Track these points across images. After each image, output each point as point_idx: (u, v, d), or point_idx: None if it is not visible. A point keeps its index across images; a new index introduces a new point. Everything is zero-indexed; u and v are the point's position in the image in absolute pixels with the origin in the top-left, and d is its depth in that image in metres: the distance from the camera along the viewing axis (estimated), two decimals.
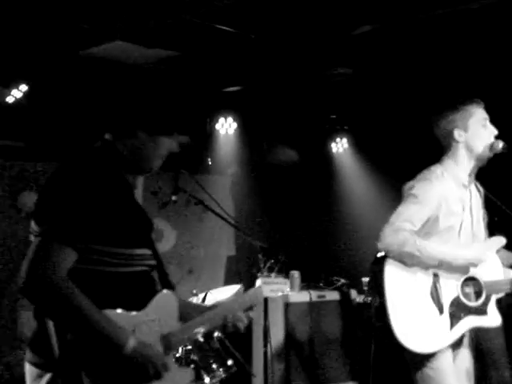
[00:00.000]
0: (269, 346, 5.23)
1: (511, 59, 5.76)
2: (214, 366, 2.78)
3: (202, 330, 2.83)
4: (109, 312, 2.51)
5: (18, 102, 6.01)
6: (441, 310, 3.72)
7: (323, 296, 6.75)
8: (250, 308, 3.08)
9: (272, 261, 6.05)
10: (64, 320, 2.47)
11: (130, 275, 2.66)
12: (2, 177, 6.49)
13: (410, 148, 7.09)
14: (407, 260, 3.70)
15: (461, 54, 5.74)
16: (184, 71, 6.22)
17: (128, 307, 2.60)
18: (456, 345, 3.80)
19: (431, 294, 3.74)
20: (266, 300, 5.05)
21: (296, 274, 6.75)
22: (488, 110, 3.91)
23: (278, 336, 6.36)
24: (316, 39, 5.57)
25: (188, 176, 4.93)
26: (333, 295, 6.84)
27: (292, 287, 6.70)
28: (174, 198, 4.98)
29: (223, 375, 3.40)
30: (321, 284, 7.05)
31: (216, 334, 3.74)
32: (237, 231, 6.97)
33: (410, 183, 3.85)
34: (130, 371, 2.52)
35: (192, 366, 2.83)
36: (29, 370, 2.61)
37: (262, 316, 5.14)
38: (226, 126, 7.70)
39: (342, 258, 8.01)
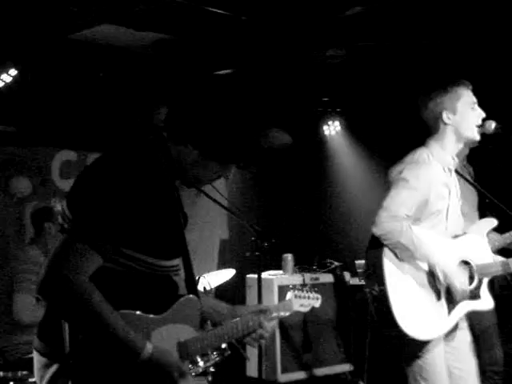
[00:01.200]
0: (261, 342, 5.21)
1: (503, 41, 5.74)
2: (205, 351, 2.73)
3: (222, 342, 2.78)
4: (127, 313, 2.43)
5: (7, 86, 5.95)
6: (438, 297, 3.71)
7: (317, 278, 6.75)
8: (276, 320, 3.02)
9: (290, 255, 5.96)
10: (79, 323, 2.38)
11: (151, 277, 2.53)
12: None
13: (402, 130, 7.07)
14: (400, 251, 3.67)
15: (454, 34, 5.71)
16: (174, 54, 6.18)
17: (147, 310, 2.50)
18: (452, 330, 3.80)
19: (428, 280, 3.72)
20: (259, 283, 5.04)
21: (289, 256, 6.76)
22: (478, 92, 3.89)
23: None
24: (308, 21, 5.53)
25: None
26: (326, 278, 6.85)
27: (285, 270, 6.71)
28: None
29: (217, 358, 3.39)
30: (314, 267, 7.05)
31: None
32: (230, 214, 6.95)
33: (399, 167, 3.81)
34: (145, 378, 2.44)
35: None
36: (36, 357, 2.54)
37: (256, 299, 5.13)
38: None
39: (335, 241, 8.02)
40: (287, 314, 3.13)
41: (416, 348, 3.71)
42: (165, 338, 2.53)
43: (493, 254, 3.95)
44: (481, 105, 3.87)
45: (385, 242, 3.68)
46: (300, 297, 3.22)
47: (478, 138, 3.82)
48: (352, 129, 8.37)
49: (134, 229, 2.42)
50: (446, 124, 3.82)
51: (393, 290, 3.66)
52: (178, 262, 2.65)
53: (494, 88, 5.81)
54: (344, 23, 5.56)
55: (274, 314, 3.01)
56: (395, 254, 3.69)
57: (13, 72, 5.95)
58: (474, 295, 3.77)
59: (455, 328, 3.82)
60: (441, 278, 3.66)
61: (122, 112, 6.59)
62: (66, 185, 6.70)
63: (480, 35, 5.68)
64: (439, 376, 3.72)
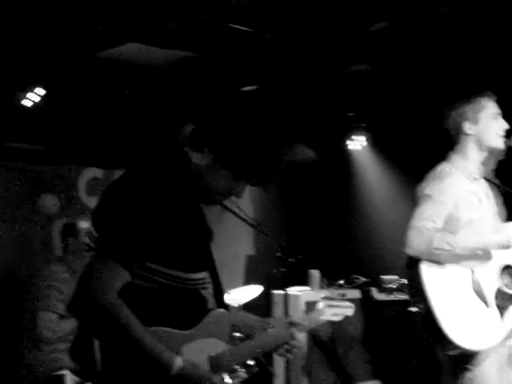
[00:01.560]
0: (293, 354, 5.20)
1: None
2: (236, 366, 2.73)
3: (255, 355, 2.75)
4: (157, 329, 2.42)
5: (35, 105, 6.02)
6: (487, 304, 3.67)
7: (344, 294, 6.71)
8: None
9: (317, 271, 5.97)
10: (110, 340, 2.38)
11: (180, 292, 2.52)
12: (21, 179, 6.52)
13: (428, 145, 7.03)
14: (439, 257, 3.64)
15: (478, 49, 5.69)
16: (199, 72, 6.22)
17: (177, 325, 2.49)
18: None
19: (474, 288, 3.68)
20: (285, 299, 5.03)
21: (316, 272, 6.73)
22: (502, 105, 3.87)
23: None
24: (331, 36, 5.54)
25: None
26: (353, 294, 6.81)
27: (311, 286, 6.68)
28: None
29: (245, 375, 3.37)
30: (341, 282, 7.02)
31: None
32: (256, 231, 6.95)
33: (422, 185, 3.82)
34: None
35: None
36: (69, 376, 2.57)
37: (283, 315, 5.12)
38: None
39: (361, 257, 7.98)
40: (319, 323, 3.10)
41: (466, 361, 3.66)
42: (195, 353, 2.51)
43: None
44: (506, 117, 3.85)
45: (421, 258, 3.66)
46: (332, 306, 3.17)
47: (502, 146, 3.79)
48: (377, 144, 8.34)
49: (159, 243, 2.42)
50: (467, 135, 3.82)
51: (437, 304, 3.62)
52: (204, 275, 2.64)
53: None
54: (368, 39, 5.56)
55: (306, 324, 2.99)
56: (437, 263, 3.65)
57: (40, 91, 6.02)
58: None
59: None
60: (481, 281, 3.64)
61: (148, 130, 6.63)
62: (92, 202, 6.75)
63: (504, 49, 5.65)
64: None
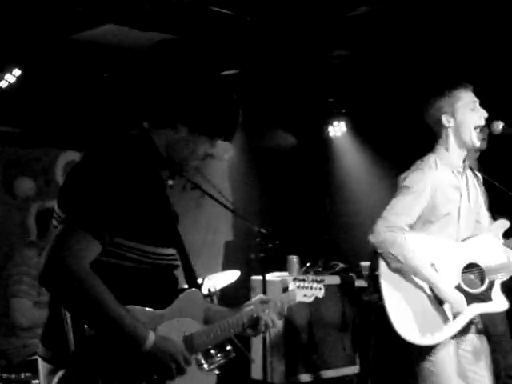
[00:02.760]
0: (268, 331, 5.19)
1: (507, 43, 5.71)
2: (213, 351, 2.72)
3: (228, 334, 2.75)
4: (131, 308, 2.41)
5: (11, 86, 5.93)
6: (441, 301, 3.68)
7: (322, 280, 6.70)
8: (281, 312, 3.00)
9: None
10: (83, 312, 2.36)
11: (152, 272, 2.54)
12: None
13: (408, 131, 7.03)
14: (391, 262, 3.70)
15: (458, 34, 5.68)
16: (179, 55, 6.16)
17: (150, 305, 2.49)
18: (464, 333, 3.77)
19: (429, 286, 3.70)
20: (264, 284, 5.01)
21: (294, 258, 6.72)
22: (482, 93, 3.86)
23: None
24: (312, 21, 5.51)
25: None
26: (332, 280, 6.80)
27: (290, 271, 6.67)
28: (170, 182, 4.93)
29: (222, 361, 3.36)
30: (319, 268, 7.01)
31: None
32: (234, 216, 6.93)
33: (404, 174, 3.84)
34: (150, 368, 2.43)
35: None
36: (41, 364, 2.52)
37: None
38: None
39: (340, 243, 7.99)
40: (291, 304, 3.12)
41: (424, 352, 3.70)
42: (170, 332, 2.51)
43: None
44: (487, 106, 3.84)
45: (378, 251, 3.73)
46: (303, 287, 3.22)
47: (476, 143, 3.79)
48: (357, 130, 8.33)
49: (127, 217, 2.42)
50: (446, 128, 3.83)
51: (389, 296, 3.70)
52: (173, 251, 2.64)
53: (500, 89, 5.78)
54: (349, 24, 5.54)
55: (278, 305, 2.99)
56: (387, 263, 3.72)
57: (16, 72, 5.93)
58: (485, 297, 3.72)
59: (469, 331, 3.79)
60: (435, 291, 3.67)
61: (126, 112, 6.57)
62: None
63: (484, 34, 5.65)
64: (448, 380, 3.68)
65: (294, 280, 3.25)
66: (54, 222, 2.51)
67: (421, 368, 3.73)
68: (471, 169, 4.00)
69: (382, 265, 3.74)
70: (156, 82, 2.71)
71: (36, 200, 6.57)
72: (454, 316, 3.67)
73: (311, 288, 3.25)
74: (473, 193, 3.91)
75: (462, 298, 3.65)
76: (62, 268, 2.30)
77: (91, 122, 6.59)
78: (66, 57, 6.03)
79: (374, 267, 3.78)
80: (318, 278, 3.30)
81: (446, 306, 3.68)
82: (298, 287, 3.20)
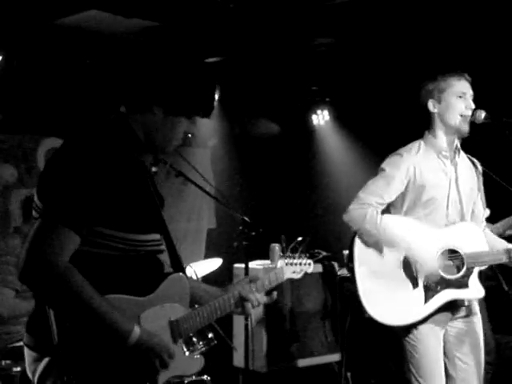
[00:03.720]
0: (250, 319, 5.20)
1: (496, 30, 5.72)
2: (194, 339, 2.71)
3: (215, 317, 2.75)
4: (113, 297, 2.40)
5: None
6: (415, 284, 3.72)
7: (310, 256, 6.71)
8: (272, 289, 2.99)
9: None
10: (65, 308, 2.35)
11: (135, 258, 2.52)
12: None
13: (391, 120, 7.05)
14: (366, 237, 3.78)
15: (445, 21, 5.68)
16: (163, 41, 6.13)
17: (134, 292, 2.48)
18: (451, 317, 3.80)
19: (404, 267, 3.74)
20: (246, 272, 5.01)
21: (276, 246, 6.72)
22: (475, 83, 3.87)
23: (258, 309, 6.34)
24: (296, 8, 5.49)
25: None
26: (314, 268, 6.81)
27: (272, 259, 6.67)
28: (154, 169, 4.90)
29: (203, 348, 3.36)
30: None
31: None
32: (218, 204, 6.92)
33: (386, 158, 3.88)
34: (134, 362, 2.43)
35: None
36: (27, 352, 2.51)
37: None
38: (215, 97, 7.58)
39: (323, 231, 7.99)
40: (279, 282, 3.10)
41: (406, 335, 3.75)
42: (155, 319, 2.51)
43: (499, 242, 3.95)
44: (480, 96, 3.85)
45: (352, 230, 3.82)
46: (292, 264, 3.20)
47: (463, 128, 3.79)
48: (341, 118, 8.34)
49: (106, 207, 2.40)
50: (432, 113, 3.85)
51: (361, 275, 3.77)
52: (157, 237, 2.63)
53: (486, 78, 5.79)
54: (333, 11, 5.52)
55: (266, 283, 2.98)
56: (363, 240, 3.80)
57: None
58: (461, 284, 3.74)
59: (457, 314, 3.81)
60: (411, 261, 3.70)
61: (104, 98, 6.54)
62: None
63: (471, 21, 5.65)
64: (429, 364, 3.71)
65: (282, 257, 3.23)
66: (34, 214, 2.49)
67: (403, 352, 3.77)
68: (470, 159, 4.00)
69: (358, 245, 3.82)
70: (130, 66, 2.67)
71: (18, 187, 6.53)
72: (427, 299, 3.70)
73: (300, 264, 3.24)
74: (465, 180, 3.90)
75: (433, 268, 3.68)
76: (42, 265, 2.29)
77: (73, 109, 6.54)
78: (49, 42, 5.98)
79: (351, 248, 3.84)
80: (307, 255, 3.29)
81: (420, 289, 3.71)
82: (287, 264, 3.18)
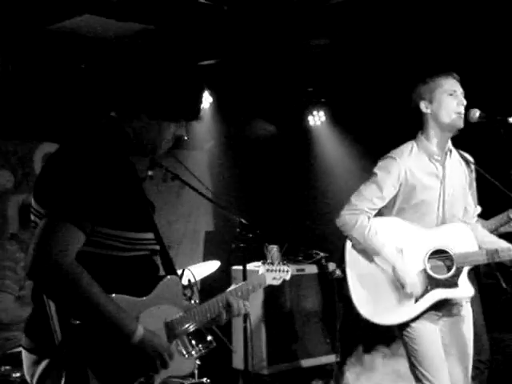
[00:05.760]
0: (248, 321, 5.20)
1: (491, 31, 5.73)
2: (193, 341, 2.73)
3: (205, 319, 2.79)
4: (115, 297, 2.43)
5: None
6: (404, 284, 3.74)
7: (302, 270, 6.73)
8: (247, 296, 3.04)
9: (275, 246, 6.08)
10: (72, 305, 2.37)
11: (133, 259, 2.56)
12: None
13: (387, 120, 7.06)
14: (354, 243, 3.89)
15: (440, 22, 5.68)
16: (157, 45, 6.13)
17: (132, 293, 2.52)
18: (446, 314, 3.84)
19: (393, 268, 3.78)
20: (244, 274, 5.02)
21: (274, 247, 6.72)
22: (464, 81, 3.89)
23: (257, 311, 6.35)
24: (292, 10, 5.49)
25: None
26: (312, 269, 6.83)
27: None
28: (150, 173, 4.91)
29: (203, 351, 3.38)
30: (300, 258, 7.03)
31: None
32: (215, 206, 6.92)
33: (378, 161, 3.92)
34: (136, 361, 2.46)
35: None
36: (25, 355, 2.52)
37: None
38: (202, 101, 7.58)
39: (320, 232, 8.00)
40: (261, 287, 3.22)
41: (404, 331, 3.80)
42: (152, 320, 2.55)
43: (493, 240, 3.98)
44: (467, 94, 3.86)
45: (344, 234, 3.90)
46: (272, 270, 3.31)
47: (458, 123, 3.81)
48: (337, 119, 8.34)
49: (106, 206, 2.44)
50: (425, 114, 3.87)
51: (352, 277, 3.87)
52: (152, 235, 2.66)
53: (480, 78, 5.80)
54: (328, 12, 5.52)
55: (250, 288, 3.06)
56: (354, 245, 3.89)
57: None
58: (451, 283, 3.78)
59: (451, 312, 3.85)
60: (392, 272, 3.78)
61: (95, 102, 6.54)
62: None
63: (467, 23, 5.66)
64: (431, 357, 3.75)
65: (263, 264, 3.34)
66: (33, 218, 2.50)
67: (405, 348, 3.83)
68: (461, 154, 4.02)
69: (349, 248, 3.91)
70: (117, 73, 2.69)
71: (14, 192, 6.53)
72: (416, 300, 3.74)
73: (279, 271, 3.33)
74: (456, 181, 3.93)
75: (417, 282, 3.74)
76: (49, 263, 2.30)
77: (69, 113, 6.54)
78: (43, 48, 5.98)
79: (343, 251, 3.93)
80: (285, 262, 3.38)
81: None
82: (268, 270, 3.29)
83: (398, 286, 3.76)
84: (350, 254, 3.91)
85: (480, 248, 3.85)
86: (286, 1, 5.31)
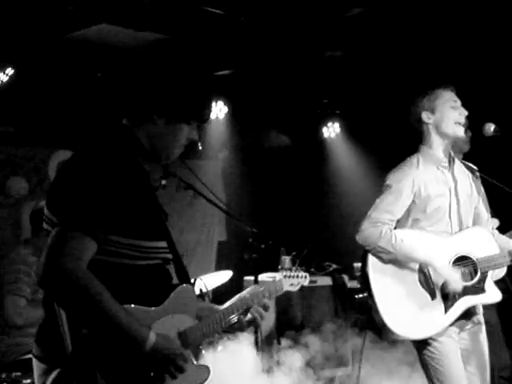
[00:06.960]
0: (259, 331, 5.19)
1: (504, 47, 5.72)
2: (204, 351, 2.74)
3: (220, 328, 2.79)
4: (127, 307, 2.41)
5: (4, 85, 5.92)
6: (432, 295, 3.71)
7: (315, 281, 6.71)
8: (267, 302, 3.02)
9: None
10: (84, 314, 2.35)
11: (146, 268, 2.54)
12: None
13: (401, 132, 7.03)
14: (383, 255, 3.77)
15: (453, 35, 5.69)
16: (174, 55, 6.16)
17: (145, 302, 2.50)
18: (461, 325, 3.79)
19: (419, 279, 3.74)
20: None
21: (287, 258, 6.72)
22: (479, 95, 3.89)
23: (269, 322, 6.33)
24: (307, 22, 5.50)
25: (178, 160, 4.86)
26: (324, 280, 6.81)
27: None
28: (163, 182, 4.91)
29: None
30: (312, 269, 7.02)
31: None
32: (228, 216, 6.92)
33: (387, 175, 3.90)
34: (150, 367, 2.44)
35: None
36: (36, 364, 2.50)
37: None
38: (217, 111, 7.62)
39: (333, 243, 7.98)
40: (278, 294, 3.18)
41: (425, 349, 3.74)
42: (165, 330, 2.53)
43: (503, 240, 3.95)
44: (481, 108, 3.87)
45: (367, 249, 3.79)
46: (290, 276, 3.28)
47: (459, 133, 3.82)
48: (351, 131, 8.34)
49: (119, 214, 2.42)
50: (427, 124, 3.88)
51: (379, 294, 3.75)
52: (165, 244, 2.64)
53: (495, 92, 5.80)
54: (343, 24, 5.54)
55: (266, 295, 3.02)
56: (381, 259, 3.78)
57: (10, 71, 5.92)
58: (478, 289, 3.74)
59: (468, 323, 3.81)
60: (431, 273, 3.70)
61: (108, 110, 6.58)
62: None
63: (478, 35, 5.65)
64: (456, 376, 3.70)
65: (281, 270, 3.31)
66: (46, 226, 2.50)
67: (427, 369, 3.76)
68: (465, 164, 4.02)
69: (371, 263, 3.80)
70: (129, 80, 2.71)
71: (29, 199, 6.56)
72: (446, 309, 3.69)
73: (297, 277, 3.30)
74: (463, 187, 3.93)
75: (459, 278, 3.68)
76: (61, 272, 2.29)
77: (84, 122, 6.58)
78: (60, 56, 6.02)
79: (364, 267, 3.82)
80: (303, 268, 3.38)
81: (439, 300, 3.70)
82: (285, 277, 3.26)
83: (427, 296, 3.71)
84: (374, 267, 3.80)
85: (501, 250, 3.83)
86: (302, 13, 5.33)
